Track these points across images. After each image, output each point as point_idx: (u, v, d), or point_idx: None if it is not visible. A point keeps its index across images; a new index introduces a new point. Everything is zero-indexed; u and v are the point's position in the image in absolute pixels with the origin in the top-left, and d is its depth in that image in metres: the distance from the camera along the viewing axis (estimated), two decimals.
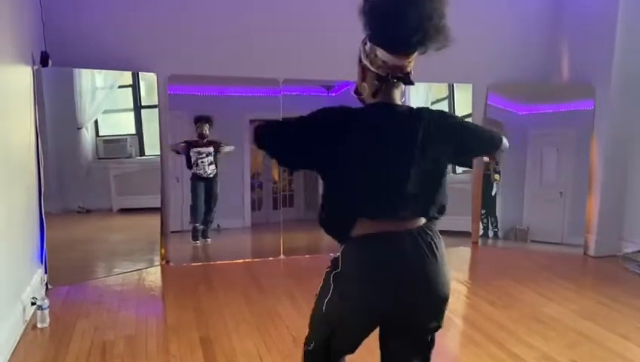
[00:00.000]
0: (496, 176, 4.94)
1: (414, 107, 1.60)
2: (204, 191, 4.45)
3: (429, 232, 1.54)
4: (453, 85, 4.89)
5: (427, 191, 1.55)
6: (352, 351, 1.71)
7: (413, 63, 1.53)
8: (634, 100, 4.45)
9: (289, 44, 4.40)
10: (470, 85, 4.85)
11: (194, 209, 4.43)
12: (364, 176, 1.51)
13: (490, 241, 4.95)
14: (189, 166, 4.37)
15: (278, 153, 1.63)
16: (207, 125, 4.35)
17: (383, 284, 1.50)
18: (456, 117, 1.77)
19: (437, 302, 1.55)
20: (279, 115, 4.44)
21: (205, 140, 4.35)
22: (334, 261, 1.60)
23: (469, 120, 4.77)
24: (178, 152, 4.34)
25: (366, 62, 1.54)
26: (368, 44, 1.52)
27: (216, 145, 4.40)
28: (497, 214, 4.95)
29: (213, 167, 4.42)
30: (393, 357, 1.68)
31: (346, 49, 4.52)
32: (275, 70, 4.38)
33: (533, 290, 3.71)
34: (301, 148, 1.57)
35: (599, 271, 4.26)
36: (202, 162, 4.37)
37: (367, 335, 1.64)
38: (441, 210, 1.59)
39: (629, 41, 4.36)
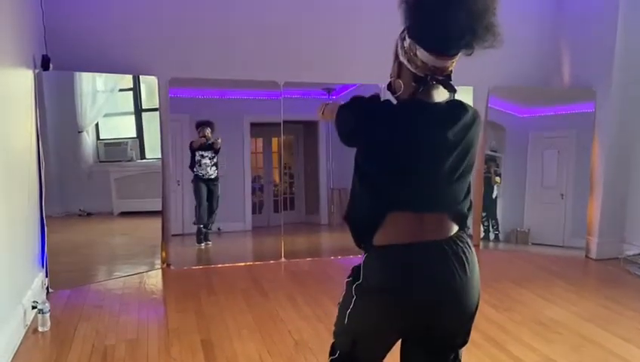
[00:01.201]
0: (497, 179, 4.94)
1: (456, 100, 1.46)
2: (207, 192, 4.47)
3: (460, 244, 1.42)
4: None
5: (459, 188, 1.45)
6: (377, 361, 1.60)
7: (455, 65, 1.40)
8: (634, 103, 4.45)
9: (290, 47, 4.41)
10: (471, 88, 4.85)
11: (198, 210, 4.43)
12: (399, 169, 1.41)
13: (491, 244, 4.94)
14: (192, 167, 4.38)
15: (340, 133, 1.51)
16: (209, 129, 4.36)
17: (406, 300, 1.39)
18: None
19: (463, 319, 1.47)
20: (280, 118, 4.45)
21: (208, 143, 4.37)
22: (356, 271, 1.49)
23: None
24: (193, 160, 4.41)
25: (403, 59, 1.39)
26: (408, 40, 1.36)
27: (215, 145, 4.42)
28: (498, 217, 4.94)
29: (215, 168, 4.43)
30: None
31: (347, 52, 4.58)
32: (275, 73, 4.39)
33: (535, 293, 3.70)
34: (355, 130, 1.46)
35: (601, 274, 4.25)
36: (205, 163, 4.39)
37: (391, 346, 1.56)
38: (470, 209, 1.49)
39: (630, 44, 4.36)
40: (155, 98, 4.24)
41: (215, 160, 4.42)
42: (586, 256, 4.61)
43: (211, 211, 4.49)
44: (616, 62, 4.38)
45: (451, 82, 1.40)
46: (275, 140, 4.70)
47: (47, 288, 3.55)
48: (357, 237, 1.51)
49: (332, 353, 1.62)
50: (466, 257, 1.42)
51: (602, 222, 4.54)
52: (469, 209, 1.49)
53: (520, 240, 4.85)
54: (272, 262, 4.45)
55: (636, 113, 4.46)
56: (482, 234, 4.94)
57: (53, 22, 3.77)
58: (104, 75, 4.09)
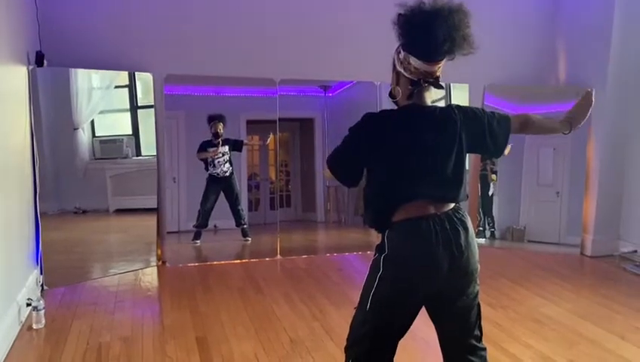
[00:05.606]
0: (493, 176, 4.95)
1: (444, 105, 1.78)
2: (223, 191, 4.45)
3: (459, 212, 1.72)
4: (450, 85, 4.89)
5: (456, 175, 1.72)
6: (402, 334, 1.77)
7: (442, 69, 1.70)
8: (630, 101, 4.46)
9: (286, 44, 4.40)
10: (467, 86, 4.85)
11: (201, 210, 4.41)
12: (405, 166, 1.69)
13: (487, 241, 4.95)
14: (207, 167, 4.38)
15: (342, 175, 1.82)
16: (221, 124, 4.35)
17: (426, 255, 1.64)
18: (481, 110, 1.84)
19: (471, 269, 1.71)
20: (275, 115, 4.44)
21: (219, 139, 4.36)
22: (380, 246, 1.73)
23: None
24: (205, 159, 4.39)
25: (400, 68, 1.71)
26: (402, 53, 1.69)
27: (238, 144, 4.44)
28: (494, 214, 4.95)
29: (228, 165, 4.42)
30: (449, 339, 1.81)
31: (343, 49, 4.57)
32: (271, 70, 4.37)
33: (530, 290, 3.71)
34: (356, 160, 1.75)
35: (596, 271, 4.26)
36: (218, 162, 4.38)
37: (415, 314, 1.74)
38: (467, 194, 1.77)
39: (626, 42, 4.36)
40: (150, 95, 4.22)
41: (227, 157, 4.40)
42: (582, 254, 4.62)
43: (235, 210, 4.47)
44: (612, 61, 4.38)
45: (440, 83, 1.71)
46: (271, 138, 4.69)
47: (42, 285, 3.54)
48: (377, 225, 1.76)
49: (353, 346, 1.75)
50: (466, 221, 1.73)
51: (598, 220, 4.55)
52: (466, 197, 1.78)
53: (516, 238, 4.86)
54: (267, 259, 4.45)
55: (631, 111, 4.47)
56: (478, 232, 4.95)
57: (47, 18, 3.75)
58: (100, 71, 4.08)
